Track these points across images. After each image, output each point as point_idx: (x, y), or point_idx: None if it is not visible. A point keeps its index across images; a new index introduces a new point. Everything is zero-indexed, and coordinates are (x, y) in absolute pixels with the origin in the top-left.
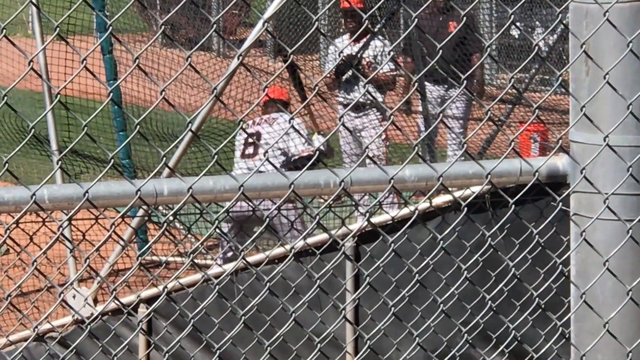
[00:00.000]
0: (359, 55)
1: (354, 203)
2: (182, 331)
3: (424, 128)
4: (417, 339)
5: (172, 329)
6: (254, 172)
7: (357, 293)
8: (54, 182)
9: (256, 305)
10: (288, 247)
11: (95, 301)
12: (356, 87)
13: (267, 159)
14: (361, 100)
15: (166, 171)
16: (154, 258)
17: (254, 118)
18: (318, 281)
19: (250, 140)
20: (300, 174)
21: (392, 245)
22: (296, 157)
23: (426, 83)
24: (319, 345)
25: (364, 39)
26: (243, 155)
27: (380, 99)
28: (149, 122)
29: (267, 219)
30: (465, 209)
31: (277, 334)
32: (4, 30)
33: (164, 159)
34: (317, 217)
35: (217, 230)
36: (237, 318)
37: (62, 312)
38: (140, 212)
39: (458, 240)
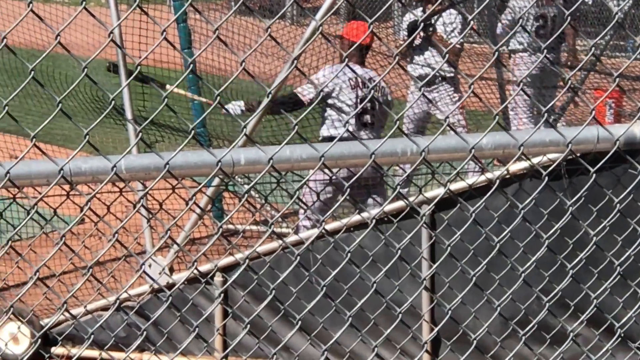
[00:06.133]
0: (431, 23)
1: (430, 171)
2: (257, 299)
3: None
4: (494, 306)
5: (248, 297)
6: (335, 142)
7: (437, 263)
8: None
9: (334, 274)
10: (365, 215)
11: (171, 270)
12: (426, 59)
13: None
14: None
15: (242, 141)
16: (230, 226)
17: (350, 74)
18: (395, 250)
19: (364, 106)
20: (381, 143)
21: (471, 213)
22: None
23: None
24: (400, 315)
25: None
26: (360, 125)
27: (450, 74)
28: (224, 91)
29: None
30: (546, 177)
31: (357, 305)
32: (84, 2)
33: (244, 129)
34: (397, 187)
35: (298, 200)
36: (312, 286)
37: (137, 281)
38: (216, 181)
39: (533, 207)
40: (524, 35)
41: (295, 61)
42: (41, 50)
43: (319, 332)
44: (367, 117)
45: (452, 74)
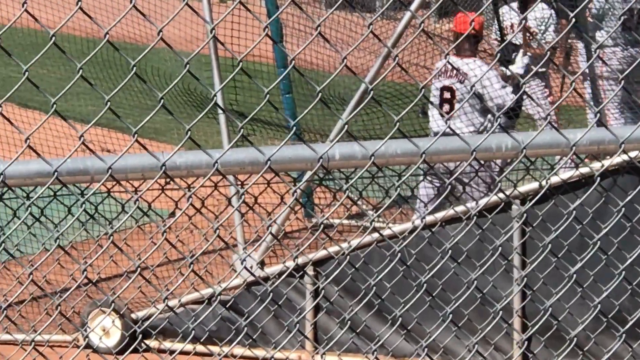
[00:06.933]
0: (523, 23)
1: (523, 166)
2: (347, 292)
3: (590, 91)
4: (589, 303)
5: (337, 289)
6: (437, 138)
7: (533, 259)
8: (221, 147)
9: (425, 269)
10: (459, 210)
11: (263, 264)
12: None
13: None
14: (521, 72)
15: (335, 135)
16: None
17: (446, 62)
18: (490, 246)
19: (445, 96)
20: (483, 140)
21: (570, 211)
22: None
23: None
24: (498, 313)
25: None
26: (440, 112)
27: (542, 69)
28: (317, 85)
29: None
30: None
31: (455, 302)
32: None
33: (346, 125)
34: (499, 183)
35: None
36: (400, 278)
37: (227, 275)
38: (308, 175)
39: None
40: (609, 30)
41: (397, 57)
42: (132, 43)
43: (408, 325)
44: (447, 107)
45: (543, 69)
